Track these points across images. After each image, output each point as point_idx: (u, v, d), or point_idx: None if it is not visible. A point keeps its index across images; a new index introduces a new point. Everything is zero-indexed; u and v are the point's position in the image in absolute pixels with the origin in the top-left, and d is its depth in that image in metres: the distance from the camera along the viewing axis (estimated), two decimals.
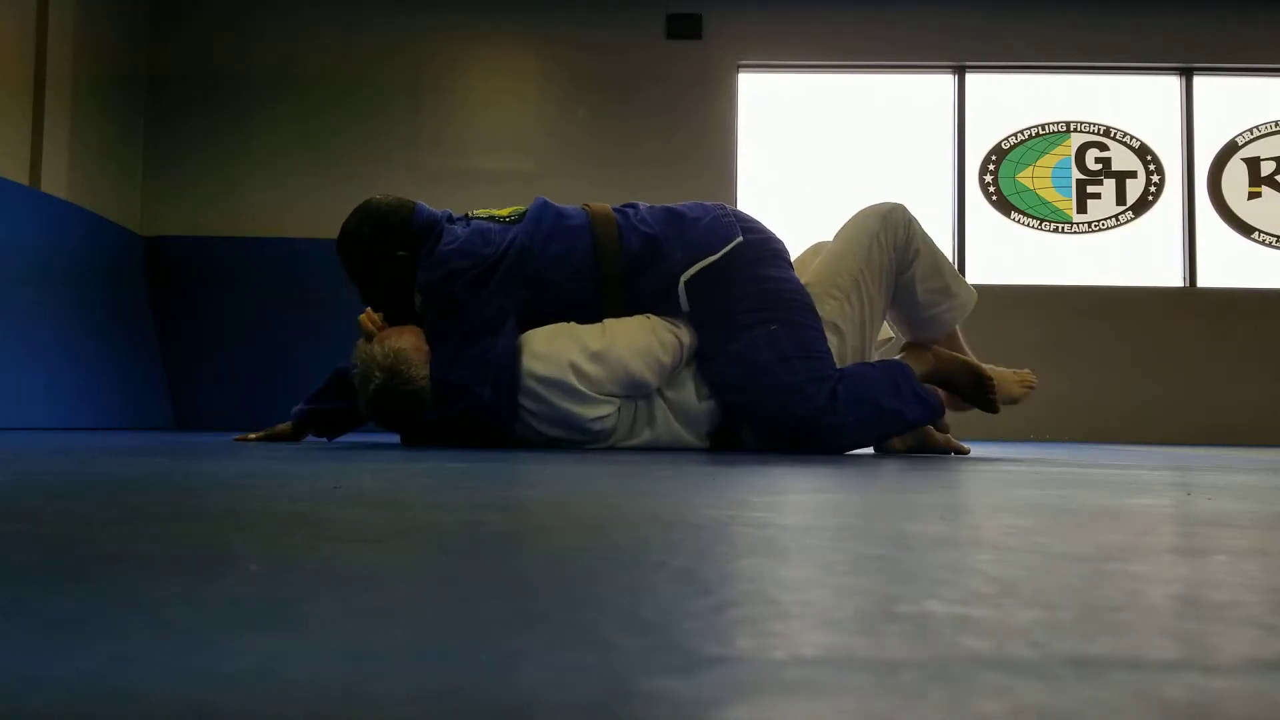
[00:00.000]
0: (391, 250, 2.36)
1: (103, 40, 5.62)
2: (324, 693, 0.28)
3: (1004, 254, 6.19)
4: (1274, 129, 6.27)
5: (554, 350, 2.21)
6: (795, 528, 0.72)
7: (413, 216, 2.39)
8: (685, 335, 2.30)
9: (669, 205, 2.44)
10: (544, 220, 2.35)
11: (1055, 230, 6.24)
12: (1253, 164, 6.24)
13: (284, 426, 2.59)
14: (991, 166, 6.26)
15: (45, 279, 4.56)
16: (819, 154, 6.21)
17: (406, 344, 2.25)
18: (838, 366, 2.29)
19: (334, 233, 2.50)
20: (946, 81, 6.27)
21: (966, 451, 2.49)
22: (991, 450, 2.84)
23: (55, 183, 5.11)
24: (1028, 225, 6.22)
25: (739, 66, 6.20)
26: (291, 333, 5.54)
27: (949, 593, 0.46)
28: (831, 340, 2.32)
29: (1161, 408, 5.83)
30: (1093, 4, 6.14)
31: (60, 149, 5.18)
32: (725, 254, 2.30)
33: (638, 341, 2.24)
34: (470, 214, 2.46)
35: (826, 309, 2.33)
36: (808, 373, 2.23)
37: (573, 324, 2.30)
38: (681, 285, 2.28)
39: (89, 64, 5.45)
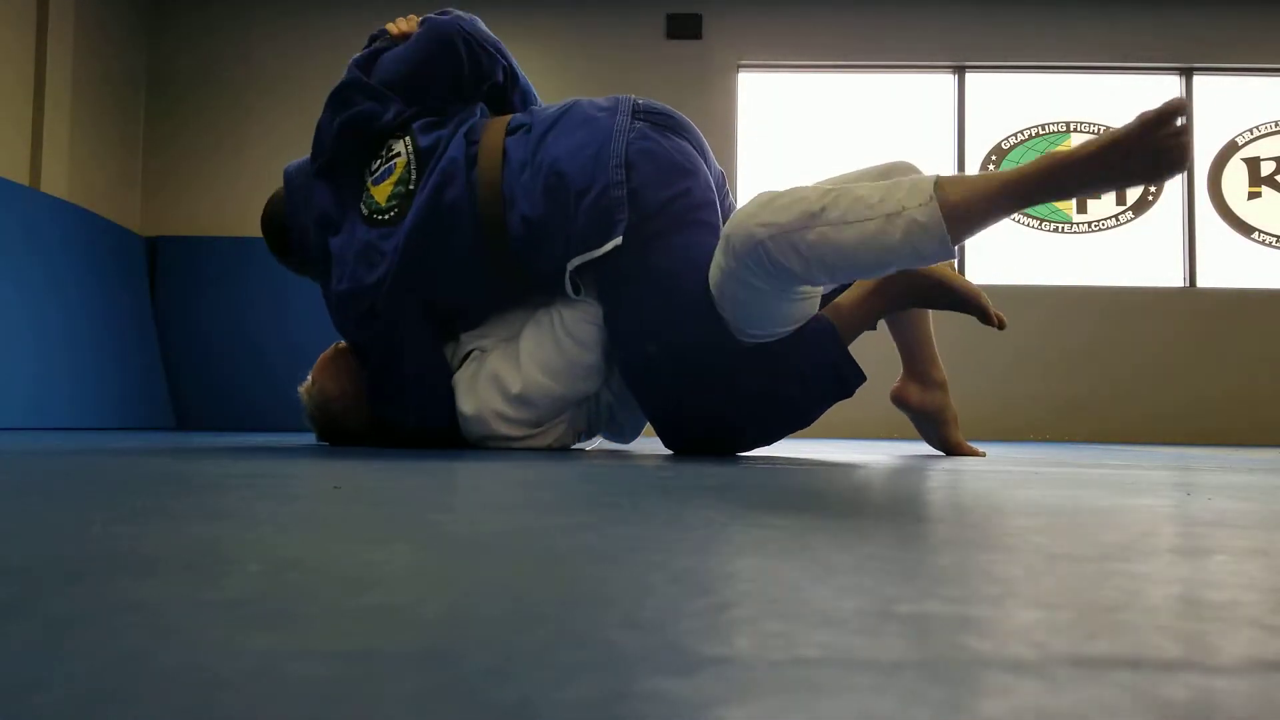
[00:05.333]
0: (283, 255, 2.34)
1: (102, 40, 5.62)
2: (324, 693, 0.28)
3: (1004, 254, 6.19)
4: (1274, 129, 6.27)
5: (477, 401, 2.09)
6: (795, 527, 0.72)
7: (287, 222, 2.30)
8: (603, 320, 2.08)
9: (559, 159, 2.03)
10: (425, 219, 2.05)
11: (1055, 230, 6.24)
12: (1253, 164, 6.24)
13: None
14: (992, 166, 6.25)
15: (45, 279, 4.56)
16: (819, 154, 6.21)
17: (331, 389, 2.20)
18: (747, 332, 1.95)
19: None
20: (946, 81, 6.27)
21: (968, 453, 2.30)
22: (991, 450, 2.84)
23: (55, 183, 5.11)
24: (1028, 225, 6.22)
25: (739, 66, 6.20)
26: (291, 333, 5.54)
27: (949, 593, 0.46)
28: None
29: (1161, 408, 5.82)
30: (1093, 4, 6.14)
31: (60, 149, 5.18)
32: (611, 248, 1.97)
33: (554, 362, 2.07)
34: (363, 199, 2.16)
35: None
36: (682, 390, 2.01)
37: (488, 359, 2.12)
38: (567, 277, 2.03)
39: (89, 64, 5.45)
